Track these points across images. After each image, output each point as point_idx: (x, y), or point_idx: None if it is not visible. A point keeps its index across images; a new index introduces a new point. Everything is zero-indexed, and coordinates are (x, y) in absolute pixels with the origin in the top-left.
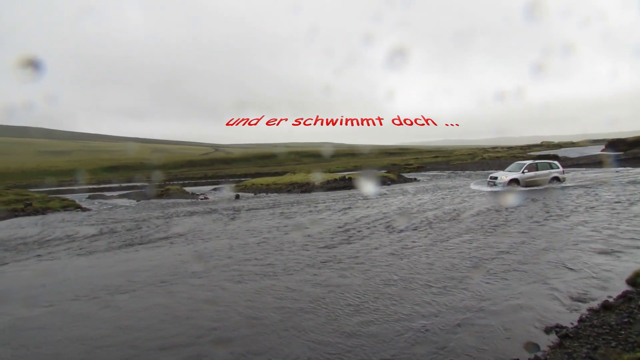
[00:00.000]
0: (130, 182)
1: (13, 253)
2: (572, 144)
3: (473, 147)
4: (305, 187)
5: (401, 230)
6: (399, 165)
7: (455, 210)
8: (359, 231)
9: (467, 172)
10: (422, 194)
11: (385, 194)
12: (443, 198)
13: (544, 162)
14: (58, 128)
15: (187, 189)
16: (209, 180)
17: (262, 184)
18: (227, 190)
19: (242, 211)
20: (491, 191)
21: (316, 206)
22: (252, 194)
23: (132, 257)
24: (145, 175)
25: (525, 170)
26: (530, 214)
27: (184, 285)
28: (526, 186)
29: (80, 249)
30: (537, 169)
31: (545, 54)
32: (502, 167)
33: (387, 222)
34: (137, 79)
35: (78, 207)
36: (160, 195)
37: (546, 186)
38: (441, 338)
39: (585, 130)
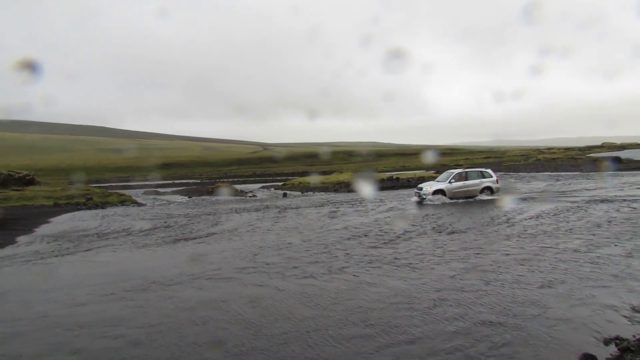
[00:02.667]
0: (182, 179)
1: (75, 244)
2: (637, 145)
3: (527, 148)
4: (353, 186)
5: (452, 232)
6: (448, 165)
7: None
8: (407, 232)
9: (520, 173)
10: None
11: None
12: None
13: (475, 170)
14: (116, 127)
15: (236, 186)
16: (257, 178)
17: (309, 183)
18: (274, 189)
19: (289, 209)
20: (417, 202)
21: (365, 205)
22: (299, 193)
23: (184, 251)
24: (196, 173)
25: (453, 180)
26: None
27: (231, 281)
28: (454, 197)
29: (135, 242)
30: (466, 179)
31: (609, 51)
32: (557, 169)
33: (435, 223)
34: (178, 80)
35: (134, 202)
36: (210, 192)
37: (478, 197)
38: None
39: None
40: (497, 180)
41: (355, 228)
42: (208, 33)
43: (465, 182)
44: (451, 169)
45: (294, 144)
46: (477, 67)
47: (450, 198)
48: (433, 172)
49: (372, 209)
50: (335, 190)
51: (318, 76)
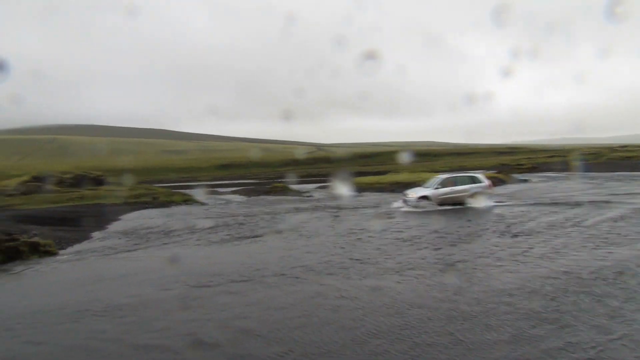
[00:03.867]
0: (240, 179)
1: (143, 241)
2: None
3: (597, 146)
4: (409, 187)
5: (515, 235)
6: (509, 165)
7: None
8: (467, 235)
9: (590, 173)
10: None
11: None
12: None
13: (464, 175)
14: (176, 130)
15: (293, 186)
16: (312, 179)
17: (364, 183)
18: (330, 189)
19: (346, 209)
20: (404, 210)
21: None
22: (355, 193)
23: (244, 249)
24: (253, 173)
25: (439, 186)
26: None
27: (288, 279)
28: (441, 204)
29: (199, 239)
30: (455, 184)
31: None
32: (633, 169)
33: (499, 225)
34: (231, 83)
35: (196, 202)
36: (268, 192)
37: (468, 204)
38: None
39: None
40: (489, 186)
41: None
42: (257, 36)
43: (453, 187)
44: (513, 168)
45: (348, 144)
46: (536, 60)
47: (437, 204)
48: (493, 172)
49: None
50: (392, 191)
51: (369, 76)
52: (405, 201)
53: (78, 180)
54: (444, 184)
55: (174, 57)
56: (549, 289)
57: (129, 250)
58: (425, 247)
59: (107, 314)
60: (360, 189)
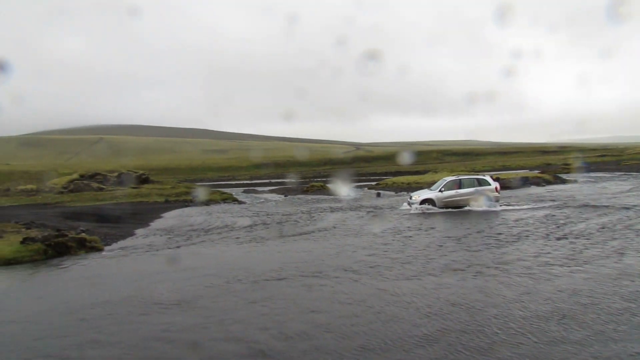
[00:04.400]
0: (278, 178)
1: (184, 238)
2: None
3: None
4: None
5: (559, 238)
6: (555, 165)
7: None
8: (512, 235)
9: None
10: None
11: (538, 196)
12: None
13: (470, 178)
14: (217, 129)
15: (330, 185)
16: (351, 178)
17: (403, 183)
18: (368, 188)
19: (384, 209)
20: (410, 213)
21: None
22: (393, 192)
23: (281, 248)
24: (292, 172)
25: (443, 189)
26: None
27: (328, 279)
28: (445, 207)
29: (237, 238)
30: (460, 187)
31: None
32: None
33: (544, 228)
34: (268, 84)
35: (235, 200)
36: (305, 191)
37: (473, 207)
38: None
39: None
40: (496, 189)
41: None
42: (294, 37)
43: (458, 190)
44: (560, 168)
45: (386, 144)
46: (582, 55)
47: (441, 207)
48: (537, 171)
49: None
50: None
51: (405, 74)
52: (410, 204)
53: (123, 179)
54: (448, 186)
55: (215, 59)
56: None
57: (169, 248)
58: (464, 249)
59: (170, 307)
60: (399, 188)
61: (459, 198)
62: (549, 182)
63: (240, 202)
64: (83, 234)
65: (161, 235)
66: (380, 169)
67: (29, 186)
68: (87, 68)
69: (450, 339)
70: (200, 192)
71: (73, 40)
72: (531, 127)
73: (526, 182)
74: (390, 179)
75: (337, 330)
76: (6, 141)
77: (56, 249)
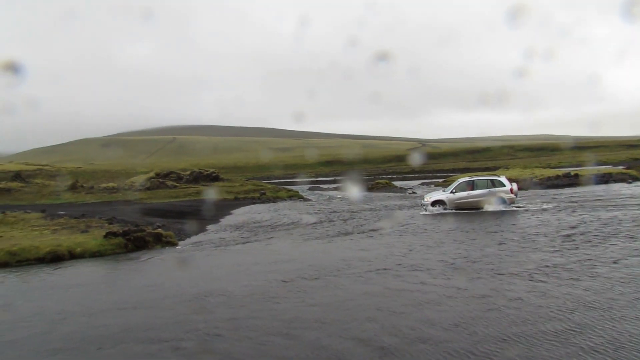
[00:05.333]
0: (343, 175)
1: (252, 234)
2: None
3: None
4: (521, 184)
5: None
6: None
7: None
8: (595, 236)
9: None
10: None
11: (622, 194)
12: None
13: (484, 179)
14: (283, 128)
15: (395, 183)
16: (416, 175)
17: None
18: (435, 185)
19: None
20: (423, 214)
21: (533, 205)
22: None
23: (347, 245)
24: (357, 169)
25: (455, 190)
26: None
27: (390, 278)
28: (457, 209)
29: (303, 234)
30: (473, 188)
31: None
32: None
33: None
34: (329, 83)
35: (301, 197)
36: (370, 189)
37: (487, 209)
38: None
39: None
40: (511, 190)
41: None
42: (354, 35)
43: (471, 192)
44: None
45: (453, 140)
46: None
47: (452, 209)
48: (622, 167)
49: (545, 210)
50: None
51: (469, 68)
52: (422, 205)
53: (195, 177)
54: (461, 187)
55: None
56: None
57: (239, 243)
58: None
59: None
60: None
61: (471, 199)
62: (636, 179)
63: (305, 200)
64: (159, 229)
65: (231, 231)
66: (447, 165)
67: (110, 184)
68: (155, 73)
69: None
70: (267, 190)
71: (139, 47)
72: (613, 119)
73: (607, 178)
74: (457, 176)
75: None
76: (90, 142)
77: (135, 243)
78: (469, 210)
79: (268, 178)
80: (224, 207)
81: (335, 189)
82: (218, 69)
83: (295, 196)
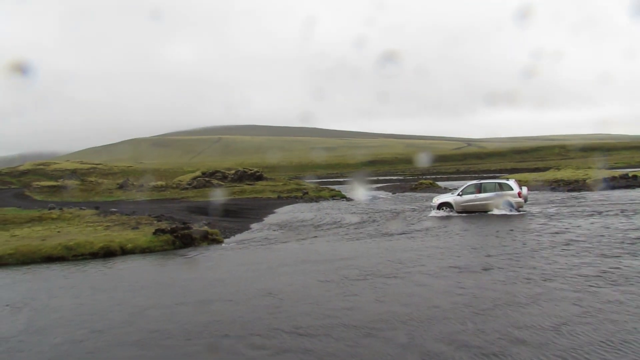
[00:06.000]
0: (386, 175)
1: (295, 233)
2: None
3: None
4: (574, 185)
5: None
6: None
7: None
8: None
9: None
10: None
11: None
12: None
13: (492, 182)
14: (325, 127)
15: (439, 183)
16: (461, 175)
17: (519, 181)
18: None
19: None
20: (431, 216)
21: (591, 206)
22: None
23: (390, 245)
24: (399, 169)
25: (462, 193)
26: None
27: (442, 279)
28: (463, 211)
29: (346, 234)
30: (480, 191)
31: None
32: None
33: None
34: (373, 81)
35: (343, 197)
36: (414, 189)
37: (494, 212)
38: None
39: None
40: (519, 194)
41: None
42: (395, 34)
43: (478, 195)
44: None
45: (500, 139)
46: None
47: (459, 212)
48: None
49: (608, 212)
50: (552, 189)
51: (513, 65)
52: (431, 207)
53: (239, 176)
54: (468, 190)
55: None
56: None
57: (282, 242)
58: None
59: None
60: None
61: (478, 202)
62: None
63: (348, 199)
64: (205, 227)
65: (274, 230)
66: (493, 165)
67: (159, 183)
68: (197, 75)
69: None
70: (310, 189)
71: (180, 51)
72: None
73: None
74: (505, 176)
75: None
76: (140, 142)
77: (183, 240)
78: (475, 213)
79: (310, 177)
80: (267, 206)
81: (379, 188)
82: (259, 69)
83: (337, 196)
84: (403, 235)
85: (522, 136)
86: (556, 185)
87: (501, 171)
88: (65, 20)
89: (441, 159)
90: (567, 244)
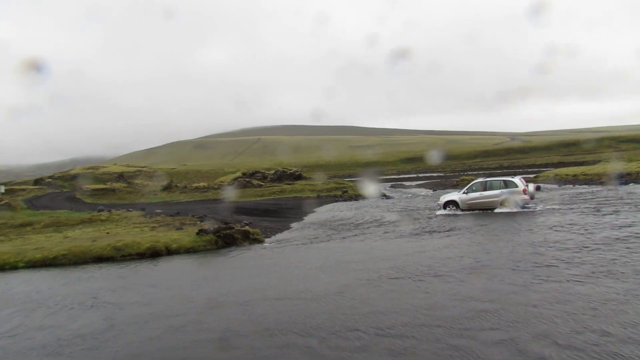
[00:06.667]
0: (426, 172)
1: (335, 232)
2: None
3: None
4: (627, 178)
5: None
6: None
7: None
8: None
9: None
10: None
11: None
12: None
13: (497, 180)
14: (363, 125)
15: (482, 179)
16: (504, 171)
17: (566, 175)
18: (526, 181)
19: (548, 203)
20: (438, 214)
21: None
22: (555, 186)
23: (429, 243)
24: (440, 166)
25: (468, 190)
26: None
27: (477, 278)
28: (469, 209)
29: (386, 233)
30: (485, 189)
31: None
32: None
33: None
34: (409, 78)
35: (383, 195)
36: (455, 186)
37: (498, 210)
38: None
39: None
40: (524, 191)
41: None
42: (430, 29)
43: (483, 192)
44: None
45: (545, 132)
46: None
47: (465, 210)
48: None
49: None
50: (602, 183)
51: (557, 54)
52: (438, 205)
53: (279, 176)
54: (474, 188)
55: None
56: None
57: (322, 241)
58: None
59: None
60: (562, 181)
61: (483, 200)
62: None
63: (387, 197)
64: (247, 226)
65: (315, 229)
66: (539, 160)
67: (201, 184)
68: (233, 77)
69: None
70: (349, 187)
71: (212, 53)
72: None
73: None
74: (551, 171)
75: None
76: (183, 145)
77: (225, 239)
78: (481, 210)
79: (350, 176)
80: (306, 205)
81: (418, 186)
82: (295, 70)
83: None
84: (450, 232)
85: (567, 129)
86: (606, 179)
87: (547, 165)
88: (106, 32)
89: (483, 154)
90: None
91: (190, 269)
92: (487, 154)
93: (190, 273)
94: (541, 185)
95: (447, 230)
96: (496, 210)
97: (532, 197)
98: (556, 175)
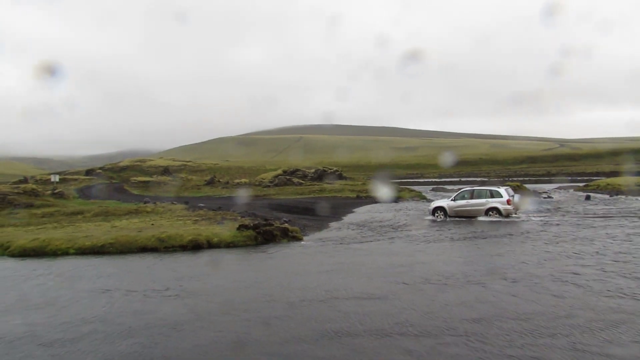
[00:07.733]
0: (468, 176)
1: (374, 233)
2: None
3: None
4: None
5: None
6: None
7: None
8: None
9: None
10: None
11: None
12: None
13: (484, 189)
14: (405, 127)
15: (528, 186)
16: (552, 178)
17: (620, 185)
18: (574, 190)
19: (605, 214)
20: (426, 219)
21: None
22: (607, 196)
23: (472, 249)
24: (483, 170)
25: (456, 198)
26: None
27: (520, 285)
28: (456, 216)
29: (425, 236)
30: (472, 197)
31: None
32: None
33: None
34: (451, 80)
35: (423, 198)
36: None
37: (482, 218)
38: None
39: None
40: (508, 202)
41: None
42: (469, 31)
43: (469, 200)
44: None
45: (596, 139)
46: None
47: (452, 216)
48: None
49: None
50: None
51: (608, 58)
52: (429, 210)
53: (319, 175)
54: (461, 196)
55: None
56: None
57: (359, 242)
58: None
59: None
60: (615, 191)
61: (468, 208)
62: None
63: (428, 200)
64: (286, 224)
65: (353, 229)
66: (589, 168)
67: (243, 180)
68: (268, 76)
69: None
70: (390, 189)
71: (249, 52)
72: None
73: None
74: (603, 180)
75: None
76: (226, 141)
77: (264, 236)
78: (466, 218)
79: (390, 178)
80: (346, 205)
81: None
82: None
83: (417, 197)
84: (493, 238)
85: (621, 136)
86: None
87: (598, 174)
88: (147, 31)
89: (529, 160)
90: None
91: (242, 263)
92: (533, 159)
93: (244, 267)
94: (590, 194)
95: (499, 237)
96: (479, 219)
97: (517, 208)
98: (608, 184)
